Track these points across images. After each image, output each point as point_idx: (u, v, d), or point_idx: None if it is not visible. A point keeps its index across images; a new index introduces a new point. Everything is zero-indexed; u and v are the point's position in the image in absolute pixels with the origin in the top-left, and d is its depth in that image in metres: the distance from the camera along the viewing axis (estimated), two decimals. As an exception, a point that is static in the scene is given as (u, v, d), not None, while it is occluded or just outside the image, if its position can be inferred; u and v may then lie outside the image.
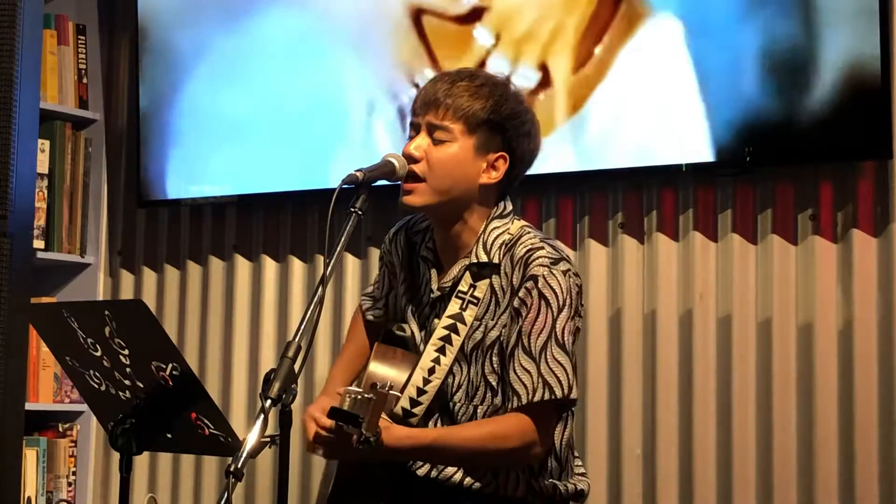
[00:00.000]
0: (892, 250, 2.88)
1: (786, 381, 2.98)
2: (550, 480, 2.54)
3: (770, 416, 2.99)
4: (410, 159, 2.51)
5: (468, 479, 2.50)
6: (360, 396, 2.18)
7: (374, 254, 3.53)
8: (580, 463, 2.65)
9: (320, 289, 2.19)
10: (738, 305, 3.05)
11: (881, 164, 2.90)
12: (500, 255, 2.52)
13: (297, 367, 2.09)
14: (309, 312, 2.17)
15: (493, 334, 2.51)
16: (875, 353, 2.89)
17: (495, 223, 2.55)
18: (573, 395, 2.46)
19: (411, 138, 2.55)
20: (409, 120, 2.59)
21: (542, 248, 2.49)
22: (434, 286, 2.58)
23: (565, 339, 2.46)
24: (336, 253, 2.28)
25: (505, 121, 2.51)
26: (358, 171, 2.39)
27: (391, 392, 2.30)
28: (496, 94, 2.51)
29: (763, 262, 3.03)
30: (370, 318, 2.81)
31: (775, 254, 3.02)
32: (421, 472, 2.52)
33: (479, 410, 2.52)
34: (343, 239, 2.29)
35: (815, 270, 2.96)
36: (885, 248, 2.89)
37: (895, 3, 2.88)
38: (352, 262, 3.61)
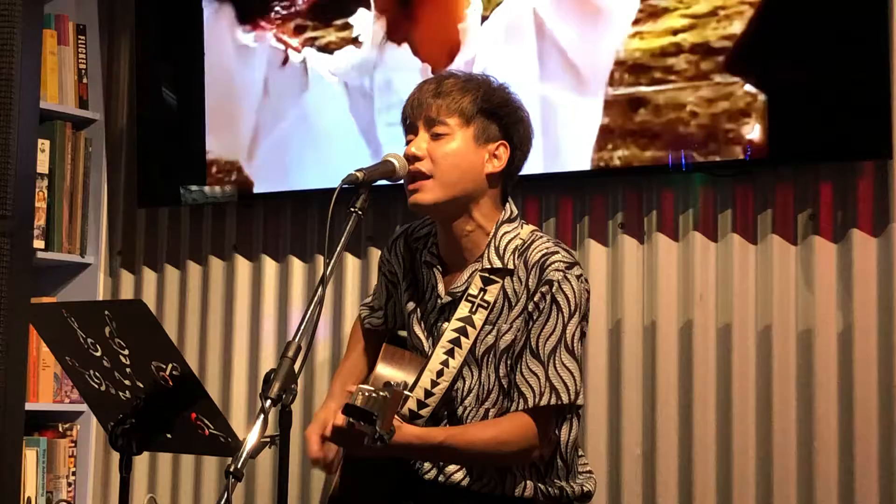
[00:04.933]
0: (892, 250, 2.88)
1: (785, 379, 2.97)
2: (557, 482, 2.54)
3: (770, 414, 2.98)
4: (413, 159, 2.50)
5: (476, 484, 2.50)
6: (374, 394, 2.16)
7: (374, 254, 3.52)
8: (586, 461, 2.65)
9: (320, 289, 2.19)
10: (737, 306, 3.04)
11: (881, 164, 2.89)
12: (514, 259, 2.52)
13: (297, 367, 2.09)
14: (309, 312, 2.17)
15: (508, 338, 2.51)
16: (875, 352, 2.89)
17: (505, 227, 2.55)
18: (579, 401, 2.47)
19: (409, 143, 2.55)
20: (403, 130, 2.59)
21: (557, 252, 2.49)
22: (441, 291, 2.58)
23: (574, 344, 2.46)
24: (336, 253, 2.28)
25: (498, 108, 2.54)
26: (358, 170, 2.39)
27: (405, 391, 2.29)
28: (483, 85, 2.56)
29: (763, 262, 3.03)
30: (368, 326, 2.80)
31: (775, 254, 3.01)
32: (429, 476, 2.52)
33: (490, 414, 2.52)
34: (343, 239, 2.29)
35: (815, 270, 2.96)
36: (885, 248, 2.89)
37: (895, 3, 2.88)
38: (352, 263, 3.61)
